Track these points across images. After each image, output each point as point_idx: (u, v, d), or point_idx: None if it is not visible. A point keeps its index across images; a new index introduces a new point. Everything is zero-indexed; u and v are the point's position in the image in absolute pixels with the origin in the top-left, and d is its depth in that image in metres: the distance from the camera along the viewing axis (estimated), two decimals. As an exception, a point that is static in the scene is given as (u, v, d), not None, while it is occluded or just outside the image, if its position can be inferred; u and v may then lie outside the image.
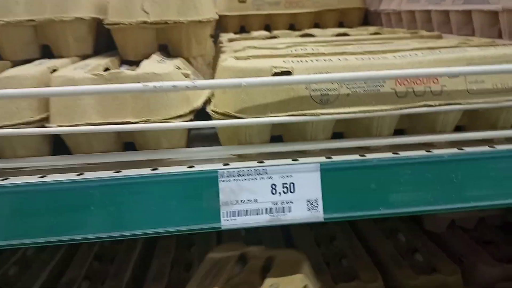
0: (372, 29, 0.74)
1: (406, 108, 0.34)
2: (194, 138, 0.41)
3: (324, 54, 0.38)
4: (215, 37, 0.76)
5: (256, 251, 0.45)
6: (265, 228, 0.73)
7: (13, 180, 0.32)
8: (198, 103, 0.36)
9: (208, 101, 0.37)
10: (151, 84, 0.30)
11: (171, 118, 0.33)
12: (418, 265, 0.63)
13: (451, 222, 0.71)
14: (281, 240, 0.69)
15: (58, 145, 0.36)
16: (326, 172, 0.33)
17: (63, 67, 0.39)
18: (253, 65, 0.34)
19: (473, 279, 0.61)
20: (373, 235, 0.70)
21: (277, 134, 0.37)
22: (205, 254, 0.63)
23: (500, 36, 0.56)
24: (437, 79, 0.35)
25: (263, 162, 0.34)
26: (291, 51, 0.41)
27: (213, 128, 0.37)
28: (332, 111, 0.33)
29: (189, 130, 0.39)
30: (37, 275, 0.61)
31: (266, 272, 0.42)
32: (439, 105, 0.35)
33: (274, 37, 0.63)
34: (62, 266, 0.63)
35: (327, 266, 0.62)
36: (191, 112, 0.35)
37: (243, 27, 0.87)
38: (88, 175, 0.32)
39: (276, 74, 0.33)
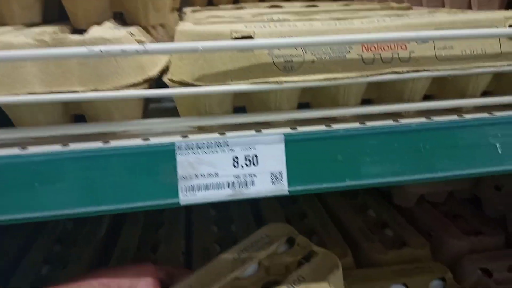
0: (342, 2, 0.72)
1: (373, 75, 0.33)
2: (153, 113, 0.39)
3: (288, 20, 0.36)
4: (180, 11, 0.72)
5: (304, 242, 0.48)
6: (234, 206, 0.71)
7: None
8: (153, 72, 0.33)
9: (165, 71, 0.35)
10: (97, 48, 0.27)
11: (122, 88, 0.31)
12: (388, 239, 0.63)
13: (421, 196, 0.72)
14: (251, 218, 0.67)
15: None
16: (291, 143, 0.32)
17: (3, 33, 0.36)
18: (211, 29, 0.32)
19: (441, 252, 0.62)
20: (344, 211, 0.70)
21: (240, 105, 0.35)
22: (172, 237, 0.62)
23: (469, 7, 0.55)
24: (405, 45, 0.34)
25: (224, 134, 0.32)
26: (256, 19, 0.38)
27: (173, 101, 0.34)
28: (296, 78, 0.32)
29: (146, 103, 0.37)
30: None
31: (303, 263, 0.45)
32: (407, 72, 0.33)
33: (241, 8, 0.60)
34: (22, 251, 0.60)
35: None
36: (145, 81, 0.33)
37: (211, 1, 0.83)
38: (33, 149, 0.30)
39: (236, 38, 0.31)
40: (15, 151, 0.29)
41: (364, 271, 0.56)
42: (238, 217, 0.68)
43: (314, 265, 0.44)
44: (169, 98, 0.38)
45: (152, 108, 0.41)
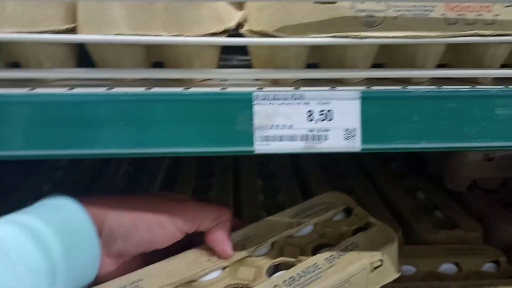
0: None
1: (455, 36, 0.32)
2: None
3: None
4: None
5: (362, 213, 0.47)
6: (282, 179, 0.72)
7: (40, 90, 0.30)
8: (231, 23, 0.34)
9: (241, 25, 0.35)
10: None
11: (204, 35, 0.31)
12: (438, 221, 0.62)
13: (473, 182, 0.70)
14: (297, 190, 0.68)
15: (83, 65, 0.34)
16: (367, 100, 0.32)
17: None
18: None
19: (493, 237, 0.60)
20: (392, 191, 0.69)
21: (313, 62, 0.35)
22: (221, 200, 0.63)
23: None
24: (491, 7, 0.33)
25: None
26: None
27: (245, 59, 0.35)
28: (377, 34, 0.31)
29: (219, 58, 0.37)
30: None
31: (358, 232, 0.45)
32: (491, 35, 0.32)
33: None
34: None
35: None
36: (223, 31, 0.33)
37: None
38: (119, 90, 0.31)
39: (319, -9, 0.31)
40: (101, 90, 0.31)
41: (414, 248, 0.55)
42: (285, 189, 0.68)
43: (369, 235, 0.44)
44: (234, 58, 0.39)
45: (220, 65, 0.42)
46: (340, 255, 0.40)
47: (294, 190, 0.68)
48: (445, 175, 0.70)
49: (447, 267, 0.52)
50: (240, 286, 0.38)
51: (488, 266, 0.53)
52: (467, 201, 0.67)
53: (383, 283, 0.41)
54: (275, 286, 0.36)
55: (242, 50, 0.45)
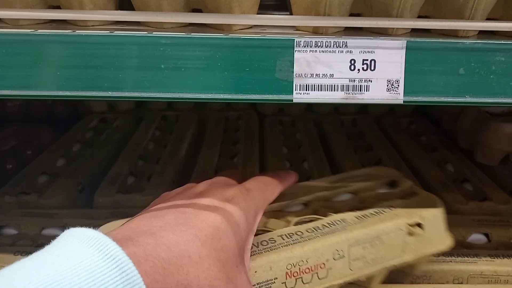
0: None
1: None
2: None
3: None
4: None
5: (408, 185, 0.44)
6: (307, 148, 0.71)
7: (81, 31, 0.30)
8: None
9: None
10: None
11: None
12: (468, 193, 0.61)
13: (505, 156, 0.68)
14: (324, 159, 0.67)
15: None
16: (413, 51, 0.31)
17: None
18: None
19: (525, 211, 0.59)
20: (421, 162, 0.68)
21: (357, 12, 0.34)
22: (247, 166, 0.63)
23: None
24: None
25: (341, 38, 0.32)
26: None
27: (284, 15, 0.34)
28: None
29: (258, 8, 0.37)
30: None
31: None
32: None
33: None
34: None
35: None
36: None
37: None
38: (159, 33, 0.30)
39: None
40: (142, 33, 0.30)
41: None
42: (311, 158, 0.68)
43: (410, 201, 0.41)
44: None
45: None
46: (373, 215, 0.38)
47: (321, 160, 0.67)
48: (477, 149, 0.69)
49: (476, 237, 0.51)
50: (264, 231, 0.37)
51: (520, 239, 0.52)
52: (499, 175, 0.66)
53: (426, 253, 0.38)
54: (297, 232, 0.36)
55: (281, 6, 0.45)
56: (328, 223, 0.37)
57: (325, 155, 0.69)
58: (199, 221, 0.28)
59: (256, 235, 0.36)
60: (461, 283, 0.45)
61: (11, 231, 0.48)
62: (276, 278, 0.32)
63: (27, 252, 0.43)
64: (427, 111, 0.90)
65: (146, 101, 0.87)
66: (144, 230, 0.25)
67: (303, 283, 0.33)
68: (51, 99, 0.89)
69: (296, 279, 0.33)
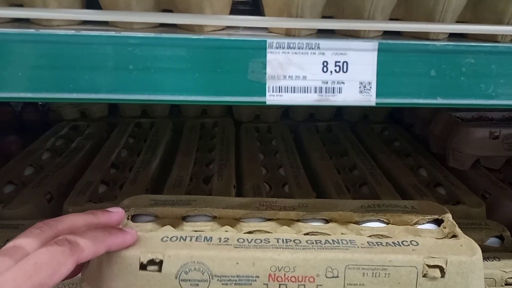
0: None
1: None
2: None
3: None
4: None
5: (452, 226, 0.38)
6: (284, 155, 0.71)
7: (46, 30, 0.29)
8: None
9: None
10: None
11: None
12: (441, 197, 0.62)
13: (476, 161, 0.69)
14: (300, 166, 0.67)
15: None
16: (384, 53, 0.31)
17: None
18: None
19: (497, 214, 0.60)
20: (395, 168, 0.68)
21: (329, 15, 0.34)
22: (224, 172, 0.62)
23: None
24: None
25: (314, 39, 0.32)
26: None
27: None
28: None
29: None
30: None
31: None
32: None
33: None
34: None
35: (348, 190, 0.60)
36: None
37: None
38: (128, 33, 0.30)
39: None
40: (111, 33, 0.29)
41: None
42: (287, 164, 0.67)
43: (442, 241, 0.35)
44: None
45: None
46: (389, 244, 0.33)
47: (297, 166, 0.67)
48: (449, 153, 0.70)
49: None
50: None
51: (492, 241, 0.53)
52: (470, 179, 0.67)
53: None
54: (295, 239, 0.33)
55: (256, 12, 0.44)
56: (333, 240, 0.34)
57: (301, 161, 0.69)
58: None
59: (253, 232, 0.35)
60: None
61: (-27, 243, 0.46)
62: (258, 277, 0.31)
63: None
64: (400, 118, 0.91)
65: (119, 108, 0.85)
66: None
67: None
68: (20, 107, 0.87)
69: (279, 285, 0.31)
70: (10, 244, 0.28)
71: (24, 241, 0.27)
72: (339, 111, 0.90)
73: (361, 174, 0.65)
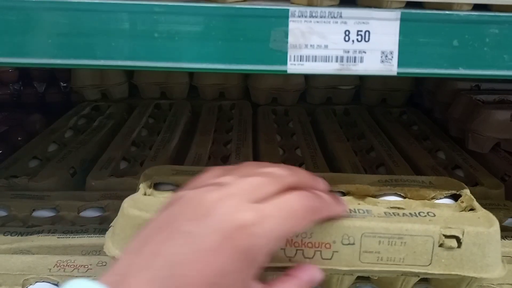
0: None
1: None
2: None
3: None
4: None
5: (470, 200, 0.37)
6: (300, 137, 0.71)
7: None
8: None
9: None
10: None
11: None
12: (459, 179, 0.61)
13: (496, 144, 0.68)
14: (316, 147, 0.67)
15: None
16: (407, 22, 0.31)
17: None
18: None
19: (516, 196, 0.59)
20: (413, 151, 0.68)
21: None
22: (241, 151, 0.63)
23: None
24: None
25: (335, 9, 0.32)
26: None
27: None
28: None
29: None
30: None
31: None
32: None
33: None
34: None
35: (365, 171, 0.61)
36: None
37: None
38: (150, 2, 0.30)
39: None
40: (135, 1, 0.30)
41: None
42: (304, 145, 0.68)
43: (459, 214, 0.35)
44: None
45: None
46: (405, 215, 0.33)
47: (314, 147, 0.67)
48: (468, 136, 0.69)
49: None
50: None
51: (511, 221, 0.52)
52: (489, 162, 0.66)
53: (460, 273, 0.32)
54: None
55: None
56: (349, 209, 0.33)
57: (318, 143, 0.69)
58: None
59: None
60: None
61: (0, 212, 0.47)
62: None
63: (17, 233, 0.43)
64: (419, 102, 0.90)
65: (138, 90, 0.86)
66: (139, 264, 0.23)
67: (304, 256, 0.31)
68: (43, 88, 0.89)
69: (296, 250, 0.31)
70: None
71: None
72: (357, 94, 0.90)
73: (379, 155, 0.65)
